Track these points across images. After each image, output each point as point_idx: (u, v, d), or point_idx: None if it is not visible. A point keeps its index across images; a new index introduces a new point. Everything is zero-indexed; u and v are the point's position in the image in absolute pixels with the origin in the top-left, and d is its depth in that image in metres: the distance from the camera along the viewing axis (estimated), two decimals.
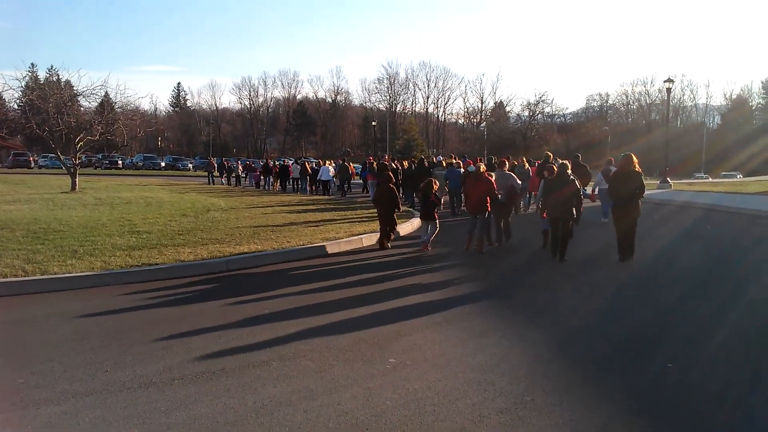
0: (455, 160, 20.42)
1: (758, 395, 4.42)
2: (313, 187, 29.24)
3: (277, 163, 35.73)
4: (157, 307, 6.93)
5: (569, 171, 10.25)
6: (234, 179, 37.55)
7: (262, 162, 41.80)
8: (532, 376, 4.70)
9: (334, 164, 30.60)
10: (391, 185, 11.76)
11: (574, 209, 9.96)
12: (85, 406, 4.08)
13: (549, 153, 15.63)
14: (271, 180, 32.04)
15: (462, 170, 16.56)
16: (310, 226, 13.46)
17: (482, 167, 11.45)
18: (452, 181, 17.51)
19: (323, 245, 10.85)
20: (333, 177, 28.30)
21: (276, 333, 5.78)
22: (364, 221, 14.72)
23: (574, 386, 4.49)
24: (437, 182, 12.27)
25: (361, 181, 29.83)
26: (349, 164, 29.85)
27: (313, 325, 6.09)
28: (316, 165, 31.12)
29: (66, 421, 3.88)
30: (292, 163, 34.48)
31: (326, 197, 25.80)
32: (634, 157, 9.91)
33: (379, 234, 11.71)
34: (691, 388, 4.50)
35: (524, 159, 18.90)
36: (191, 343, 5.46)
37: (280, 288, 7.99)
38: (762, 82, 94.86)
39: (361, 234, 12.20)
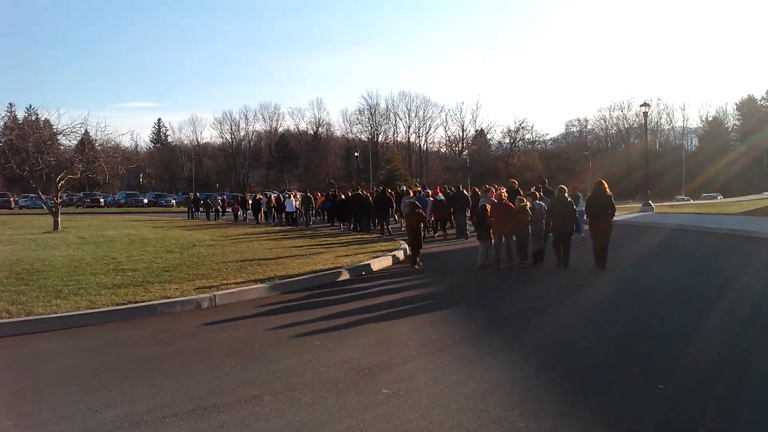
0: (419, 188, 23.39)
1: (742, 407, 4.46)
2: (281, 217, 30.80)
3: (249, 197, 38.70)
4: (144, 345, 6.86)
5: (566, 195, 12.27)
6: (213, 213, 39.33)
7: (238, 196, 44.25)
8: (525, 402, 4.71)
9: (298, 196, 33.02)
10: (420, 215, 13.38)
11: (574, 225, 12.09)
12: None
13: (514, 181, 16.95)
14: (249, 212, 34.57)
15: (431, 198, 20.15)
16: (297, 258, 13.44)
17: (504, 194, 12.70)
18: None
19: (310, 278, 10.83)
20: (296, 208, 29.98)
21: (267, 367, 5.74)
22: (349, 254, 14.72)
23: (566, 412, 4.50)
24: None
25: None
26: (322, 196, 32.40)
27: (304, 357, 6.05)
28: (284, 198, 32.50)
29: None
30: (264, 197, 36.12)
31: (290, 227, 27.77)
32: (605, 183, 11.88)
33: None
34: (685, 414, 4.53)
35: (486, 186, 19.65)
36: (181, 380, 5.40)
37: (268, 322, 7.96)
38: (736, 104, 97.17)
39: (347, 266, 12.19)
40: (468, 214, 20.49)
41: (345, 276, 11.53)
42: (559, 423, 4.25)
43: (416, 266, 12.77)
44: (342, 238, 20.13)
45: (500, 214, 12.14)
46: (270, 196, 35.24)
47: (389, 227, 22.77)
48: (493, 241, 12.29)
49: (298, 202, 30.27)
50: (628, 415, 4.43)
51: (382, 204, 23.06)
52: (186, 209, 43.84)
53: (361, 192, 26.35)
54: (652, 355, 6.01)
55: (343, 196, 27.51)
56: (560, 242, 11.92)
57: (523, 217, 12.11)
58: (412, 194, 22.34)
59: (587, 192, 15.68)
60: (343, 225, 25.91)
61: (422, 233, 13.43)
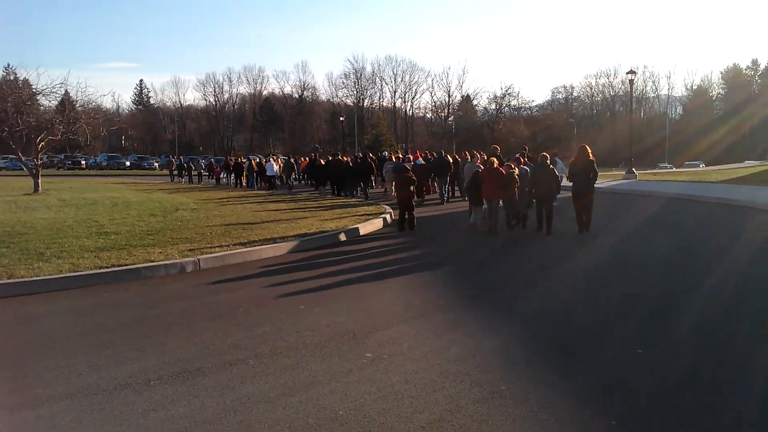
0: (401, 155, 23.90)
1: (727, 374, 4.57)
2: (262, 183, 31.53)
3: (232, 160, 38.57)
4: (128, 308, 6.85)
5: (548, 161, 12.54)
6: (196, 177, 40.04)
7: (217, 160, 45.93)
8: (506, 365, 4.79)
9: (280, 160, 33.81)
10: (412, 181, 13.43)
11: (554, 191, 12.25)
12: (60, 410, 4.03)
13: (496, 147, 16.65)
14: (232, 177, 34.68)
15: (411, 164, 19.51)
16: (282, 222, 13.42)
17: (495, 161, 12.64)
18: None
19: (295, 242, 10.84)
20: (277, 173, 30.74)
21: (251, 331, 5.78)
22: (333, 218, 14.71)
23: (547, 374, 4.59)
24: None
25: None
26: (305, 160, 32.79)
27: (288, 321, 6.09)
28: (266, 161, 33.05)
29: (42, 425, 3.83)
30: (246, 161, 36.48)
31: (270, 191, 28.15)
32: (588, 148, 12.18)
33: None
34: (661, 371, 4.63)
35: (466, 152, 19.99)
36: (166, 343, 5.42)
37: (252, 286, 7.98)
38: (721, 72, 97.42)
39: (334, 230, 12.20)
40: (449, 179, 20.86)
41: (331, 240, 11.55)
42: (539, 385, 4.33)
43: (412, 230, 13.08)
44: (323, 202, 20.41)
45: (491, 180, 12.28)
46: (251, 160, 35.86)
47: (368, 192, 23.20)
48: (484, 205, 12.65)
49: (279, 167, 30.90)
50: (606, 378, 4.52)
51: (364, 169, 23.46)
52: (168, 172, 44.15)
53: (341, 157, 26.70)
54: (634, 322, 6.11)
55: (322, 161, 27.80)
56: (542, 207, 12.25)
57: (512, 183, 12.26)
58: (394, 160, 22.70)
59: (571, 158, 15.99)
60: (323, 188, 26.14)
61: (413, 197, 13.68)
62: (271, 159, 33.41)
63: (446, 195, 20.78)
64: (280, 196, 23.98)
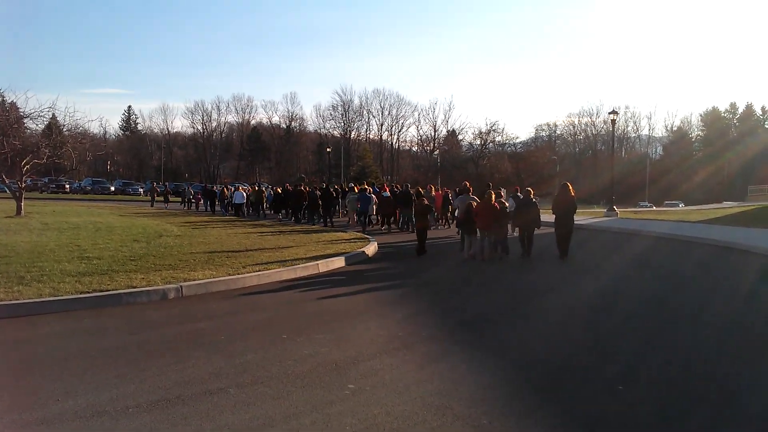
0: (366, 186, 26.46)
1: (706, 411, 4.61)
2: (229, 209, 33.85)
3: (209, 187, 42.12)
4: (109, 334, 6.77)
5: (531, 196, 14.56)
6: (186, 203, 41.81)
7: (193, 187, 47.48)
8: (489, 399, 4.79)
9: (250, 189, 36.22)
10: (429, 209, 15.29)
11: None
12: None
13: (467, 182, 17.90)
14: (209, 203, 36.65)
15: (373, 196, 22.99)
16: (266, 251, 13.38)
17: (492, 195, 13.81)
18: (363, 203, 22.26)
19: (280, 270, 10.81)
20: (245, 201, 32.24)
21: (233, 360, 5.73)
22: (319, 248, 14.71)
23: (530, 410, 4.59)
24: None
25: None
26: (276, 189, 33.97)
27: (270, 351, 6.05)
28: (234, 190, 34.92)
29: None
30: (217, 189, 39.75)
31: (239, 218, 29.47)
32: (570, 186, 14.06)
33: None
34: (643, 409, 4.66)
35: (431, 186, 24.94)
36: (145, 370, 5.36)
37: (236, 314, 7.93)
38: (701, 115, 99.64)
39: (317, 260, 12.19)
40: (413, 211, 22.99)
41: (315, 270, 11.53)
42: (522, 422, 4.33)
43: (423, 253, 14.51)
44: (286, 227, 22.55)
45: (486, 214, 13.35)
46: (222, 188, 39.10)
47: (332, 220, 25.07)
48: (477, 235, 13.82)
49: (246, 195, 32.77)
50: (589, 415, 4.53)
51: (326, 199, 25.33)
52: (149, 198, 45.32)
53: (303, 188, 28.78)
54: (615, 358, 6.14)
55: (279, 190, 30.91)
56: (525, 235, 14.07)
57: (504, 217, 13.69)
58: (357, 191, 24.68)
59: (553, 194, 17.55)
60: (281, 216, 29.05)
61: (428, 225, 15.23)
62: (240, 188, 34.85)
63: (409, 224, 22.35)
64: (246, 222, 26.33)
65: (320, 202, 25.26)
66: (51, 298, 7.93)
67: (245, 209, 32.14)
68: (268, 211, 31.59)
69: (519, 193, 16.88)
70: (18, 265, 10.30)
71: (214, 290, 9.37)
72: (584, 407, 4.69)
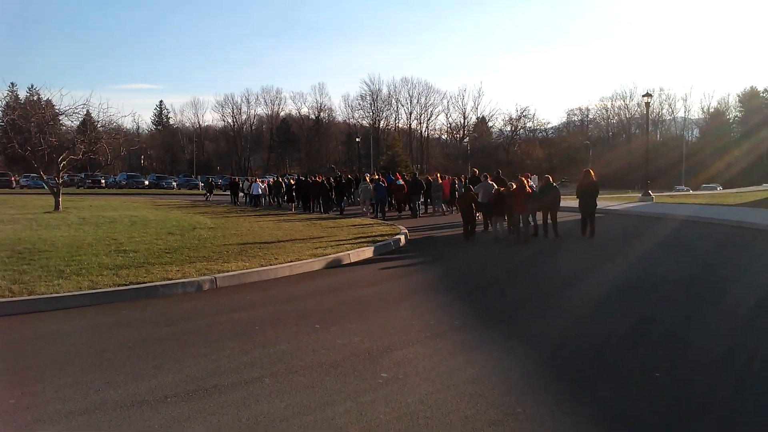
0: (378, 176, 27.45)
1: (745, 402, 4.51)
2: (245, 199, 35.54)
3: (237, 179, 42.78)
4: (146, 326, 6.91)
5: (551, 181, 16.14)
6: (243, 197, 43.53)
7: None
8: (523, 387, 4.76)
9: (264, 181, 38.16)
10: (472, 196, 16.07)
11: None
12: (77, 426, 4.07)
13: (475, 170, 20.07)
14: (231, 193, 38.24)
15: (383, 184, 24.13)
16: (297, 242, 13.49)
17: (525, 181, 15.12)
18: (378, 192, 23.32)
19: (312, 261, 10.89)
20: (264, 192, 33.99)
21: (267, 350, 5.79)
22: (349, 238, 14.76)
23: (564, 397, 4.55)
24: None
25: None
26: (310, 179, 34.46)
27: (304, 341, 6.11)
28: (251, 181, 37.52)
29: None
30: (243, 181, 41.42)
31: (258, 208, 30.88)
32: (592, 171, 16.00)
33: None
34: (679, 398, 4.58)
35: (437, 174, 26.68)
36: (182, 361, 5.46)
37: (269, 305, 8.02)
38: (738, 95, 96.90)
39: (348, 251, 12.24)
40: (422, 197, 25.13)
41: (347, 260, 11.59)
42: (556, 409, 4.29)
43: (470, 237, 15.43)
44: (302, 216, 24.28)
45: (520, 198, 14.65)
46: (236, 180, 41.00)
47: (343, 208, 26.69)
48: (505, 219, 15.70)
49: (264, 186, 34.57)
50: (624, 403, 4.47)
51: (340, 188, 27.07)
52: (205, 192, 44.94)
53: (313, 178, 30.79)
54: (652, 345, 6.04)
55: (293, 181, 31.94)
56: (547, 216, 15.42)
57: (532, 200, 14.90)
58: (368, 180, 25.40)
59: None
60: (294, 207, 30.01)
61: (473, 211, 15.97)
62: (257, 180, 37.37)
63: (419, 210, 24.56)
64: (260, 211, 28.45)
65: (333, 191, 26.73)
66: (90, 291, 8.13)
67: (263, 200, 33.83)
68: (283, 202, 32.46)
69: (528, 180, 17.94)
70: (57, 259, 10.56)
71: (247, 281, 9.49)
72: (619, 395, 4.63)
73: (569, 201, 17.36)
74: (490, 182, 16.60)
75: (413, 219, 23.07)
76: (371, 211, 23.79)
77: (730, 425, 4.12)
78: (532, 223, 15.47)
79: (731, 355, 5.66)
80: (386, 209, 24.31)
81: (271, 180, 37.76)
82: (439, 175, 26.27)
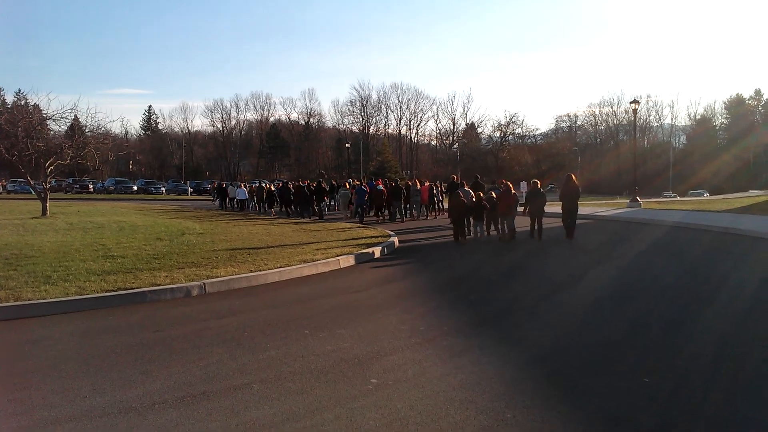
0: (358, 181, 29.02)
1: (736, 407, 4.54)
2: (231, 204, 36.66)
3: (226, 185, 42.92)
4: (134, 332, 6.86)
5: (539, 186, 16.84)
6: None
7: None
8: (512, 393, 4.77)
9: (246, 186, 39.25)
10: (462, 201, 16.74)
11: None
12: None
13: (454, 176, 21.48)
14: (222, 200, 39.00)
15: (365, 189, 25.58)
16: (287, 248, 13.45)
17: (511, 186, 16.97)
18: (359, 196, 24.88)
19: (301, 266, 10.86)
20: (247, 197, 34.95)
21: (256, 356, 5.77)
22: (339, 243, 14.74)
23: (553, 402, 4.56)
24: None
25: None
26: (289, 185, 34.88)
27: (293, 347, 6.09)
28: (235, 186, 38.95)
29: None
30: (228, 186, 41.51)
31: (244, 213, 32.14)
32: (573, 176, 16.91)
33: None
34: (668, 402, 4.60)
35: (417, 180, 28.29)
36: (170, 367, 5.42)
37: (258, 310, 7.99)
38: (724, 102, 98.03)
39: (338, 256, 12.23)
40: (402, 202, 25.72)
41: (336, 266, 11.57)
42: (546, 415, 4.30)
43: (461, 241, 16.00)
44: (291, 221, 24.39)
45: (507, 202, 15.91)
46: (222, 185, 41.35)
47: (323, 213, 27.62)
48: (491, 221, 17.03)
49: (247, 191, 35.70)
50: (614, 408, 4.49)
51: (319, 194, 27.96)
52: (213, 198, 45.24)
53: (294, 184, 30.93)
54: (642, 350, 6.07)
55: (272, 188, 33.09)
56: (534, 220, 16.11)
57: (517, 204, 16.14)
58: (348, 186, 26.91)
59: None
60: (273, 212, 30.74)
61: (463, 217, 16.76)
62: (242, 185, 38.70)
63: (404, 215, 25.43)
64: (241, 215, 29.54)
65: (313, 197, 27.46)
66: (77, 297, 8.06)
67: (248, 204, 34.81)
68: (264, 207, 32.86)
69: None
70: (45, 264, 10.47)
71: (236, 287, 9.45)
72: (609, 400, 4.64)
73: (555, 207, 17.82)
74: (467, 189, 18.23)
75: (393, 223, 23.72)
76: (349, 215, 24.82)
77: (721, 430, 4.14)
78: (514, 228, 16.10)
79: (721, 360, 5.69)
80: (363, 213, 25.14)
81: (254, 186, 38.33)
82: (418, 181, 27.89)
